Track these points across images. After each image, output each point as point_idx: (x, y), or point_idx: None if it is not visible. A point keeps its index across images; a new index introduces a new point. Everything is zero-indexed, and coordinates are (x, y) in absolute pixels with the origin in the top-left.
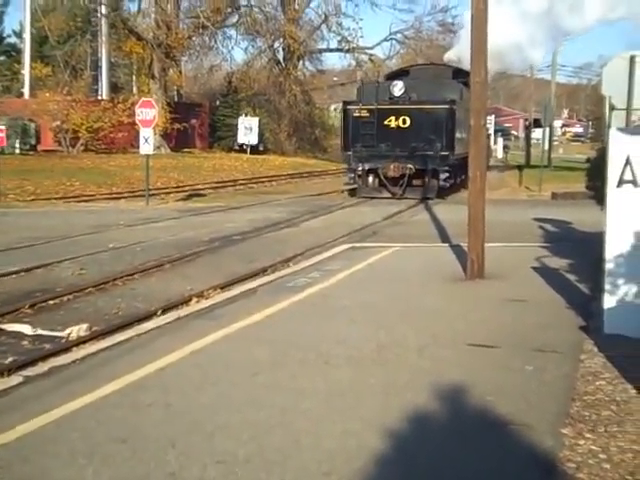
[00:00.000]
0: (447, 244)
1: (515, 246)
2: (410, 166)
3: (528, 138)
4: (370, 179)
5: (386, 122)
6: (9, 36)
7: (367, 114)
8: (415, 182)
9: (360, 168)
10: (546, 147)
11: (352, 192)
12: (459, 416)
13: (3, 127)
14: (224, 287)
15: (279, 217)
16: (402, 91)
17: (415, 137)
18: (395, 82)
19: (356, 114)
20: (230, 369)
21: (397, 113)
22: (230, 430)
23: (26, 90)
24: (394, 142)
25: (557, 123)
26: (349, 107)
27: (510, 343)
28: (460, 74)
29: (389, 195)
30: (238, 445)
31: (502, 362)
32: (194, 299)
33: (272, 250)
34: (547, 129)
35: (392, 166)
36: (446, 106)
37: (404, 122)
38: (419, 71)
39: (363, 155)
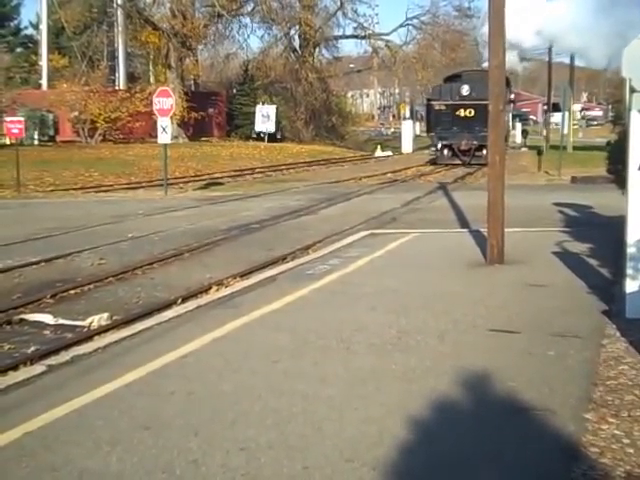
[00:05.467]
0: (466, 229)
1: (535, 231)
2: (475, 142)
3: (547, 122)
4: (445, 152)
5: (457, 113)
6: (26, 28)
7: (444, 107)
8: (477, 154)
9: (440, 144)
10: (565, 131)
11: (432, 162)
12: (481, 402)
13: (22, 118)
14: (243, 275)
15: (297, 205)
16: (468, 91)
17: (477, 123)
18: (463, 85)
19: (437, 107)
20: (251, 357)
21: (465, 107)
22: (252, 417)
23: (44, 81)
24: (463, 126)
25: (576, 107)
26: (432, 102)
27: (531, 328)
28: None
29: (460, 162)
30: (260, 432)
31: (524, 347)
32: (214, 287)
33: (291, 238)
34: (566, 113)
35: (463, 142)
36: None
37: (470, 113)
38: (469, 74)
39: (442, 135)
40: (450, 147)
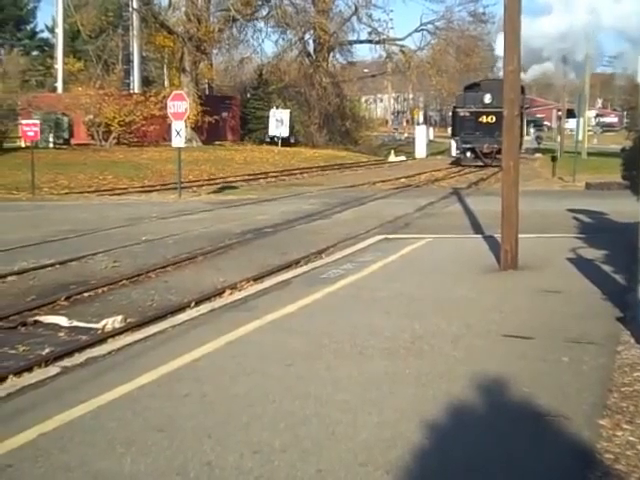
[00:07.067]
0: (480, 235)
1: (549, 237)
2: (496, 146)
3: (561, 128)
4: (468, 154)
5: (480, 119)
6: (42, 31)
7: (469, 114)
8: (498, 156)
9: (463, 147)
10: (579, 137)
11: (454, 163)
12: (495, 407)
13: (37, 121)
14: (257, 279)
15: (311, 209)
16: (490, 100)
17: (498, 128)
18: (486, 94)
19: (461, 114)
20: (265, 360)
21: (487, 113)
22: (265, 420)
23: (59, 85)
24: (485, 131)
25: (591, 113)
26: (457, 109)
27: (545, 334)
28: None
29: (482, 164)
30: (274, 435)
31: (538, 353)
32: (227, 291)
33: (305, 242)
34: (580, 119)
35: (485, 146)
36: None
37: (491, 119)
38: (488, 83)
39: (466, 139)
40: (473, 150)
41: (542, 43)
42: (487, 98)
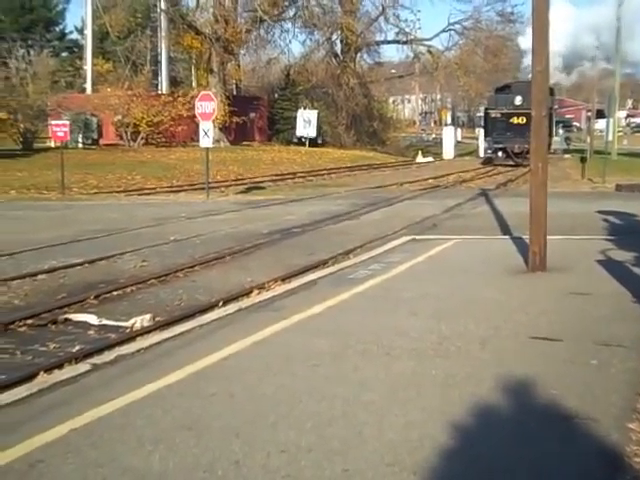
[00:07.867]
0: (508, 236)
1: (578, 239)
2: (526, 146)
3: (591, 129)
4: (499, 153)
5: (511, 120)
6: (71, 32)
7: (500, 115)
8: (528, 156)
9: (495, 147)
10: (609, 138)
11: (485, 162)
12: (522, 409)
13: (67, 122)
14: (285, 279)
15: (338, 209)
16: (521, 101)
17: (529, 129)
18: (516, 96)
19: (493, 115)
20: (291, 360)
21: (518, 115)
22: (292, 420)
23: (88, 85)
24: (516, 132)
25: (621, 113)
26: (489, 111)
27: (574, 336)
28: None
29: (513, 163)
30: (300, 435)
31: (566, 355)
32: (255, 291)
33: (332, 242)
34: (610, 119)
35: (516, 146)
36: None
37: (522, 120)
38: (518, 85)
39: (497, 140)
40: (504, 150)
41: (593, 38)
42: (518, 100)
